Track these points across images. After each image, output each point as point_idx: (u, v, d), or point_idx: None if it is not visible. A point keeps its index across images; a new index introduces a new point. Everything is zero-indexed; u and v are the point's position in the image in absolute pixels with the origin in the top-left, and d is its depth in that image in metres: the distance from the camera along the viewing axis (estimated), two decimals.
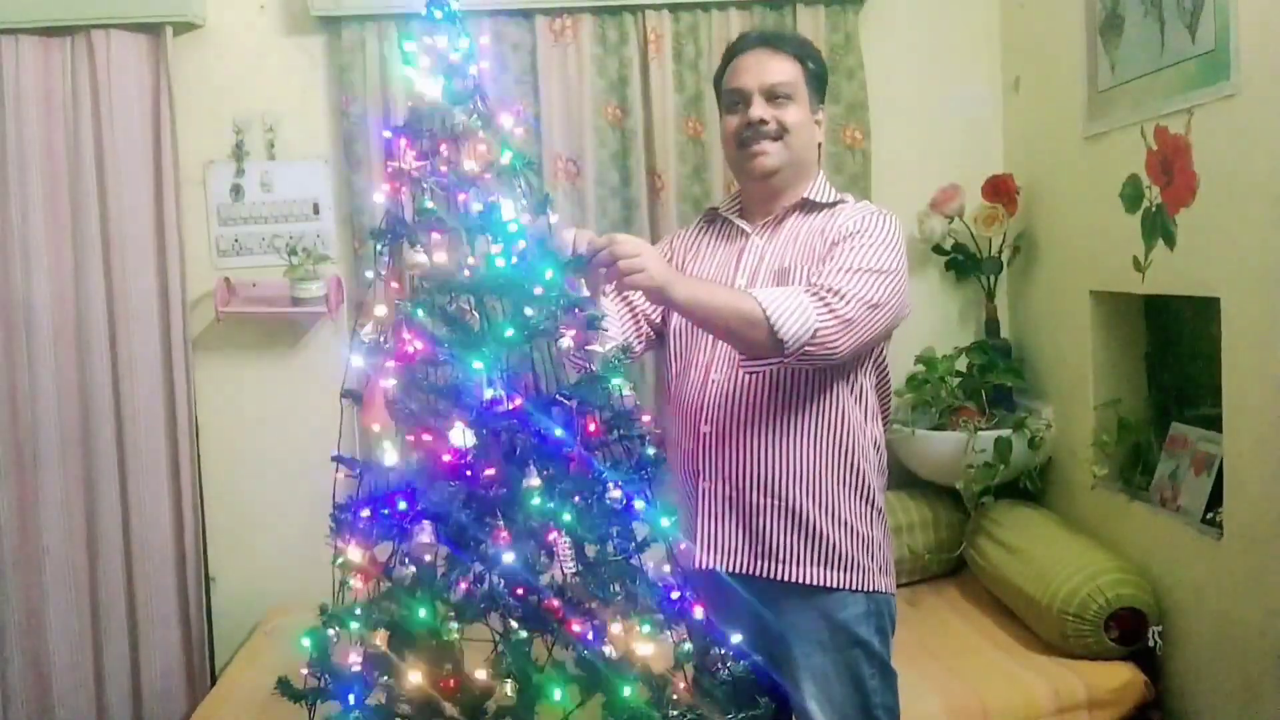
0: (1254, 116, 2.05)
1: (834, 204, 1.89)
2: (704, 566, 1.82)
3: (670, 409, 1.91)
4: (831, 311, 1.67)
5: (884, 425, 1.92)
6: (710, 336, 1.82)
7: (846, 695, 1.79)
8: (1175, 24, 2.29)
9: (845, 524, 1.81)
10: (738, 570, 1.82)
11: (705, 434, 1.83)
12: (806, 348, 1.65)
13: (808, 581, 1.79)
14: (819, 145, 1.94)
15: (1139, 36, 2.43)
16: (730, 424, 1.81)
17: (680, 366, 1.90)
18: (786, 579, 1.80)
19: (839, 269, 1.73)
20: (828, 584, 1.79)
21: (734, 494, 1.82)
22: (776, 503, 1.79)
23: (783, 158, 1.86)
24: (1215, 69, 2.14)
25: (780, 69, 1.85)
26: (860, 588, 1.81)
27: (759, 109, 1.84)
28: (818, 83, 1.90)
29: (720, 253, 1.94)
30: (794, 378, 1.78)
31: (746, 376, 1.78)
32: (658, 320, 1.97)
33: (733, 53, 1.93)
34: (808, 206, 1.89)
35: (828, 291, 1.69)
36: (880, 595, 1.84)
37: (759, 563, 1.81)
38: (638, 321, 1.95)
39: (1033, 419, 2.88)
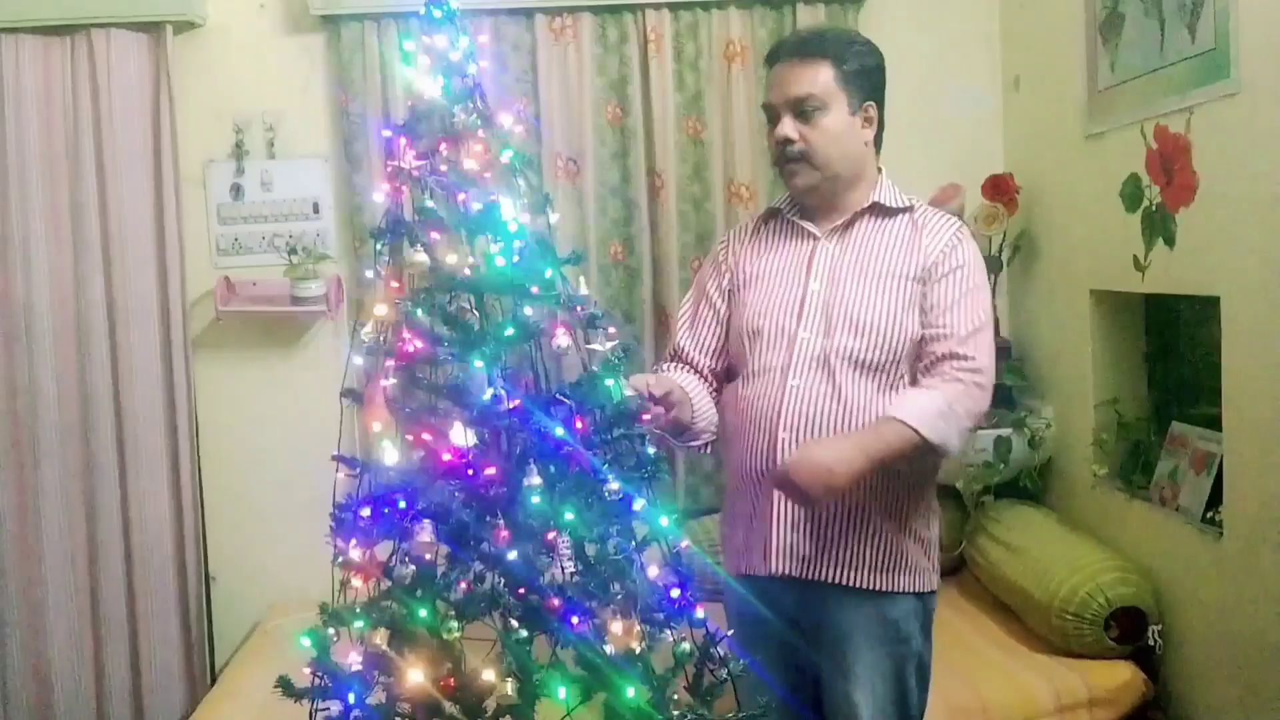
0: (1254, 115, 2.05)
1: (907, 209, 1.86)
2: (776, 571, 1.81)
3: (736, 411, 1.87)
4: (980, 389, 1.75)
5: None
6: (787, 340, 1.82)
7: (887, 691, 1.81)
8: (1175, 23, 2.29)
9: (911, 529, 1.82)
10: (805, 575, 1.80)
11: (783, 440, 1.79)
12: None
13: (874, 587, 1.79)
14: (875, 140, 1.87)
15: (1139, 35, 2.43)
16: (809, 430, 1.78)
17: (756, 367, 1.85)
18: (852, 584, 1.79)
19: (969, 330, 1.76)
20: (891, 589, 1.80)
21: (811, 509, 1.79)
22: (849, 510, 1.78)
23: (813, 177, 1.82)
24: (1215, 68, 2.14)
25: (807, 79, 1.79)
26: (917, 589, 1.82)
27: (785, 127, 1.81)
28: (861, 80, 1.82)
29: (787, 255, 1.89)
30: (869, 387, 1.78)
31: (825, 384, 1.78)
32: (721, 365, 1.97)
33: (768, 63, 1.90)
34: (878, 210, 1.85)
35: (968, 370, 1.74)
36: (930, 594, 1.86)
37: (828, 569, 1.79)
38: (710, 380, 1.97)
39: (1033, 418, 2.88)
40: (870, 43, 1.90)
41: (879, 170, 1.90)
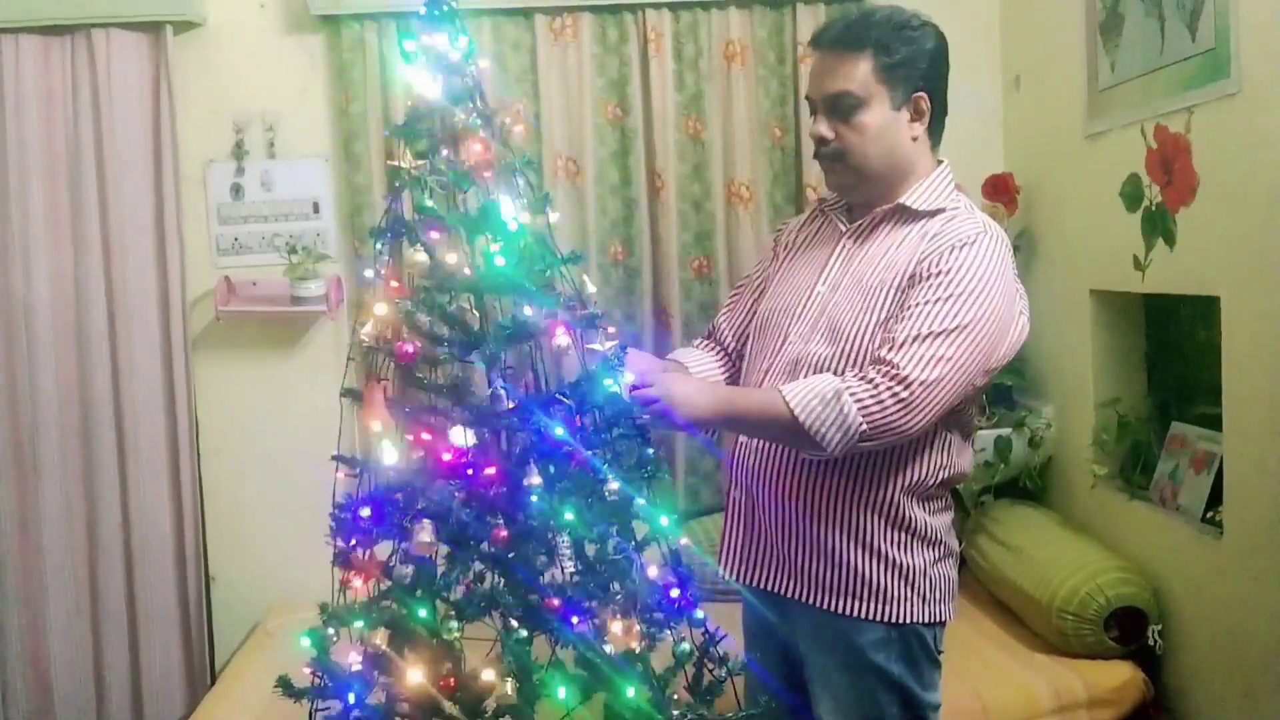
0: (1254, 115, 2.05)
1: (934, 213, 1.68)
2: (730, 576, 1.77)
3: None
4: (897, 400, 1.53)
5: (965, 440, 1.75)
6: (782, 341, 1.73)
7: (863, 714, 1.70)
8: (1175, 22, 2.29)
9: (878, 553, 1.66)
10: (752, 582, 1.76)
11: (743, 443, 1.75)
12: (861, 444, 1.55)
13: (829, 608, 1.68)
14: (930, 131, 1.71)
15: (1139, 35, 2.43)
16: (764, 442, 1.72)
17: (752, 366, 1.79)
18: (806, 600, 1.70)
19: (907, 337, 1.55)
20: (850, 613, 1.67)
21: (761, 514, 1.73)
22: (793, 521, 1.69)
23: (850, 177, 1.70)
24: (1215, 67, 2.14)
25: (843, 75, 1.65)
26: (887, 618, 1.66)
27: (820, 125, 1.69)
28: (909, 69, 1.65)
29: (814, 252, 1.79)
30: None
31: None
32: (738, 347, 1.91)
33: (811, 45, 1.76)
34: (903, 214, 1.69)
35: (887, 377, 1.54)
36: (909, 626, 1.67)
37: (775, 579, 1.73)
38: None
39: (1033, 418, 2.88)
40: (927, 24, 1.70)
41: (938, 163, 1.74)
